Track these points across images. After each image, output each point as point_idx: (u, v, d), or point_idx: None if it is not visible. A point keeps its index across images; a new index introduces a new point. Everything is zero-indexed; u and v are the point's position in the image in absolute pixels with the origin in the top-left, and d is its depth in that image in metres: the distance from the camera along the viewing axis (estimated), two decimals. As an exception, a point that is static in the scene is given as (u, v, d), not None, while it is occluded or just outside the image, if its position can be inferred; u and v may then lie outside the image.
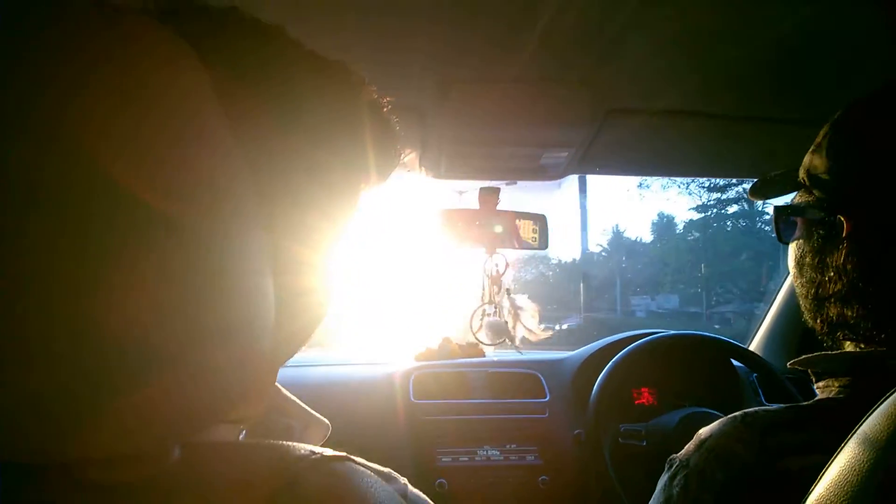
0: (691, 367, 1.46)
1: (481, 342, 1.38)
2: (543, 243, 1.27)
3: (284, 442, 0.35)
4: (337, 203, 0.41)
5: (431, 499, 1.50)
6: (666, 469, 0.65)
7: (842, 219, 0.62)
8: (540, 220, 1.25)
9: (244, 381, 0.32)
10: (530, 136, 0.99)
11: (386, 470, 0.46)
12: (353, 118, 0.41)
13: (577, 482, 1.29)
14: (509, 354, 1.53)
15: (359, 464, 0.37)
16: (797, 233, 0.70)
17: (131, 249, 0.25)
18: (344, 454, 0.36)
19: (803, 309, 0.71)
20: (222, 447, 0.34)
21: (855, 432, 0.40)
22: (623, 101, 0.91)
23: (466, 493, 1.25)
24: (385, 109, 0.45)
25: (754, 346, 1.61)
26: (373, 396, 1.36)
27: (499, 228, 1.24)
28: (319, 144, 0.38)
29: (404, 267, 1.51)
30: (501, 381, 1.45)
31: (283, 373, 0.44)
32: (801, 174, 0.68)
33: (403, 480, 0.47)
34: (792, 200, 0.72)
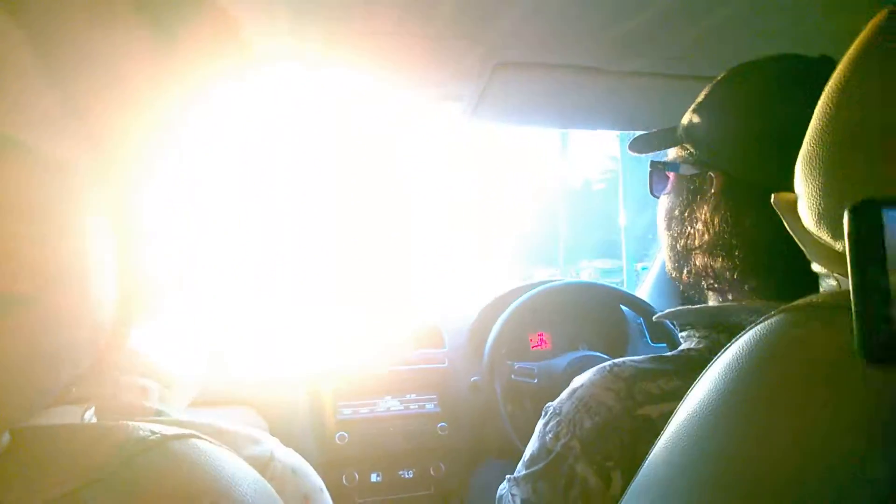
0: (584, 313, 1.54)
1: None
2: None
3: (127, 422, 0.33)
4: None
5: (333, 453, 1.50)
6: (542, 416, 0.68)
7: (712, 175, 0.66)
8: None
9: (77, 355, 0.30)
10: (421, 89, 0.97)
11: (252, 434, 0.45)
12: None
13: (473, 427, 1.35)
14: (411, 308, 1.54)
15: (208, 439, 0.35)
16: (668, 187, 0.73)
17: None
18: (189, 432, 0.34)
19: (667, 260, 0.74)
20: (56, 431, 0.32)
21: (699, 381, 0.43)
22: (510, 55, 0.90)
23: (367, 444, 1.28)
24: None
25: (642, 292, 1.71)
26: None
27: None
28: None
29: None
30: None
31: None
32: (680, 131, 0.70)
33: (271, 443, 0.45)
34: (668, 156, 0.75)
